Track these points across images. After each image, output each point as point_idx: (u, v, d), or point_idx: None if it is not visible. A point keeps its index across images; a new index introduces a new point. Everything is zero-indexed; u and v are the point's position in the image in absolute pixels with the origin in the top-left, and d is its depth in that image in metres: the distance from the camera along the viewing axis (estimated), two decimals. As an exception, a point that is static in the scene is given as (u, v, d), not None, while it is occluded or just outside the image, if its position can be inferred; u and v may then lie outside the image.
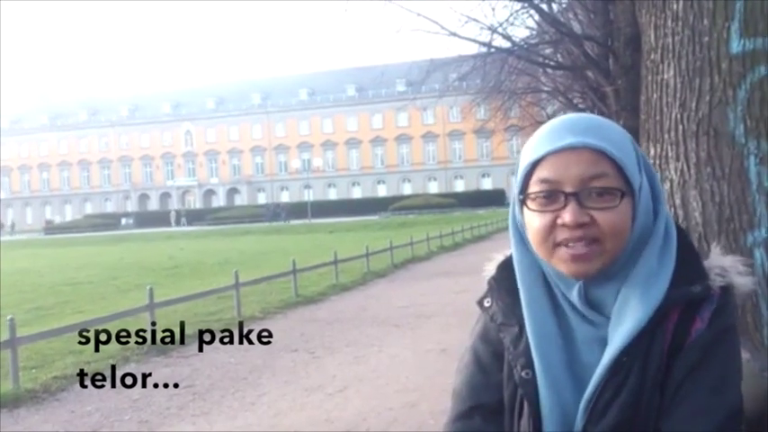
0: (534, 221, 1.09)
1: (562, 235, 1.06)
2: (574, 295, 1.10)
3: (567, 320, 1.12)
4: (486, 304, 1.22)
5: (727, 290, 1.08)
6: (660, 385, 1.05)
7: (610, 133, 1.08)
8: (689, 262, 1.10)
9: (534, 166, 1.09)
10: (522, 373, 1.13)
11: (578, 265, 1.06)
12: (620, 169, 1.06)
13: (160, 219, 76.45)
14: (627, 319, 1.06)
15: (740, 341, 1.08)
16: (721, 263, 1.11)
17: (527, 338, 1.13)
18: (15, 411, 6.68)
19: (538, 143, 1.10)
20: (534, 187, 1.08)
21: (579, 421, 1.07)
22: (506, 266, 1.21)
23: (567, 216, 1.05)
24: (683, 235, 1.14)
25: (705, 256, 1.13)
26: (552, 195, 1.07)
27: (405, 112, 71.43)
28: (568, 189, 1.05)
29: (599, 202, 1.05)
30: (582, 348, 1.10)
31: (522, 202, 1.11)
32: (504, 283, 1.20)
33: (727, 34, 1.91)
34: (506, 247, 1.23)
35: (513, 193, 1.16)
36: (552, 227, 1.07)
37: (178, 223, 71.61)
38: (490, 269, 1.24)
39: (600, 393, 1.05)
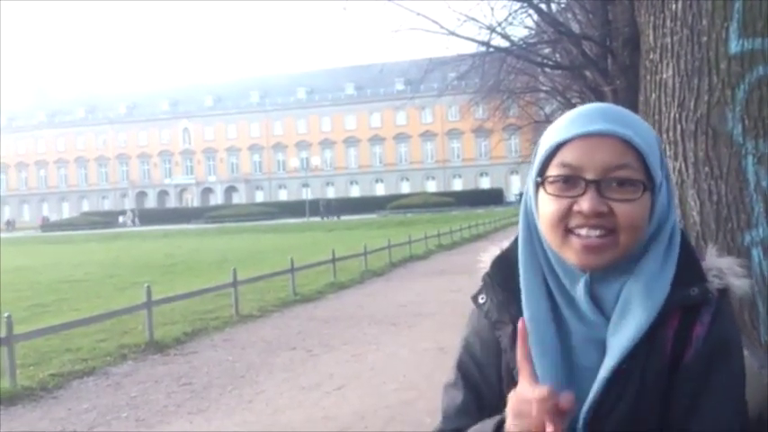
0: (549, 206, 1.05)
1: (576, 221, 1.03)
2: (579, 289, 1.07)
3: (564, 320, 1.09)
4: (481, 301, 1.18)
5: (724, 292, 1.06)
6: (663, 392, 1.04)
7: (639, 126, 1.06)
8: (687, 264, 1.08)
9: (557, 148, 1.06)
10: None
11: (589, 257, 1.03)
12: (644, 163, 1.04)
13: (157, 217, 76.52)
14: (627, 324, 1.03)
15: (741, 343, 1.07)
16: (718, 264, 1.09)
17: None
18: (12, 409, 6.67)
19: (564, 126, 1.07)
20: (554, 170, 1.05)
21: (581, 429, 1.04)
22: (500, 262, 1.18)
23: (584, 203, 1.02)
24: (683, 236, 1.12)
25: (702, 256, 1.12)
26: (572, 180, 1.03)
27: (403, 110, 71.44)
28: (590, 176, 1.02)
29: (619, 192, 1.02)
30: (578, 350, 1.07)
31: (540, 185, 1.07)
32: (498, 279, 1.16)
33: (725, 34, 1.91)
34: (505, 242, 1.22)
35: (528, 178, 1.13)
36: (567, 213, 1.03)
37: (134, 223, 72.33)
38: (485, 262, 1.21)
39: (600, 402, 1.03)
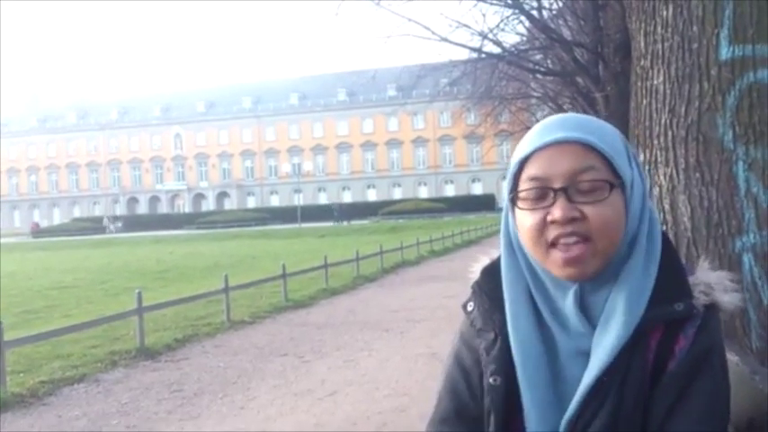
0: (525, 220, 1.07)
1: (554, 232, 1.04)
2: (569, 301, 1.07)
3: (550, 333, 1.09)
4: (469, 308, 1.20)
5: (711, 307, 1.06)
6: (643, 404, 1.03)
7: (597, 128, 1.08)
8: (673, 276, 1.08)
9: (523, 164, 1.09)
10: (491, 380, 1.11)
11: (572, 269, 1.04)
12: (608, 162, 1.05)
13: (149, 222, 76.29)
14: (607, 337, 1.04)
15: (726, 357, 1.07)
16: (707, 279, 1.09)
17: (500, 345, 1.11)
18: (2, 416, 6.62)
19: (527, 141, 1.09)
20: (524, 185, 1.08)
21: None
22: (490, 271, 1.19)
23: (556, 212, 1.03)
24: (668, 244, 1.11)
25: (692, 262, 1.12)
26: (541, 193, 1.06)
27: (395, 116, 71.36)
28: (556, 185, 1.05)
29: (588, 196, 1.04)
30: (565, 362, 1.08)
31: (513, 202, 1.10)
32: (486, 288, 1.18)
33: (716, 41, 1.92)
34: (494, 250, 1.22)
35: (504, 196, 1.14)
36: (543, 225, 1.05)
37: (112, 230, 72.35)
38: (475, 271, 1.22)
39: (579, 414, 1.03)
